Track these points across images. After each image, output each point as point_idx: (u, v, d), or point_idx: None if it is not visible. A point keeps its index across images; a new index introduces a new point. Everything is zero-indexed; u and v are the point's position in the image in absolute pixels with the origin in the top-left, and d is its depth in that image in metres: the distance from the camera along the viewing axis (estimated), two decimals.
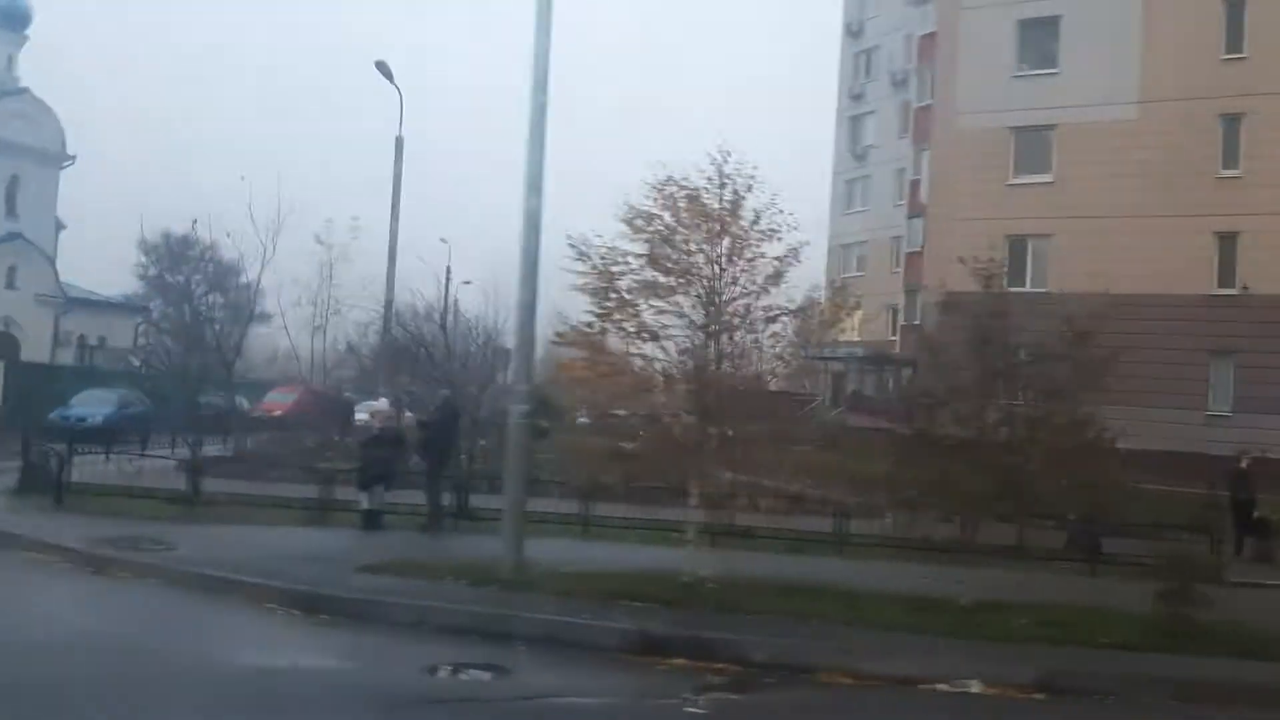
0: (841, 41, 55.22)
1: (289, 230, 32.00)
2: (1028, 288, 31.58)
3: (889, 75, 50.63)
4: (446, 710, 7.17)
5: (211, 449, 23.01)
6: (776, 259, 10.46)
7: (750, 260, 10.55)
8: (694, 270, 10.34)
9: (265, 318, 63.67)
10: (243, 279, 74.70)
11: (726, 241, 10.63)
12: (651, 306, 10.25)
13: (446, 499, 15.57)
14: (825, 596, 11.05)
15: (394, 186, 21.28)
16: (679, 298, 9.97)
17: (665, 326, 10.43)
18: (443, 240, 40.01)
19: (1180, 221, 29.06)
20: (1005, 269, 31.82)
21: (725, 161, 10.81)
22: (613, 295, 10.22)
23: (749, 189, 10.84)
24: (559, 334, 10.43)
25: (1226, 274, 29.04)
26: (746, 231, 10.68)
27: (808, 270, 12.76)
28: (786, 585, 11.29)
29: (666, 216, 10.39)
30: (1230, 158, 29.19)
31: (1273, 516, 18.73)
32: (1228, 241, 29.07)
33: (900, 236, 45.34)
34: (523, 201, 10.64)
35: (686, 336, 10.25)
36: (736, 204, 10.79)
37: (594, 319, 10.22)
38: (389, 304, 23.89)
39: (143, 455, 21.25)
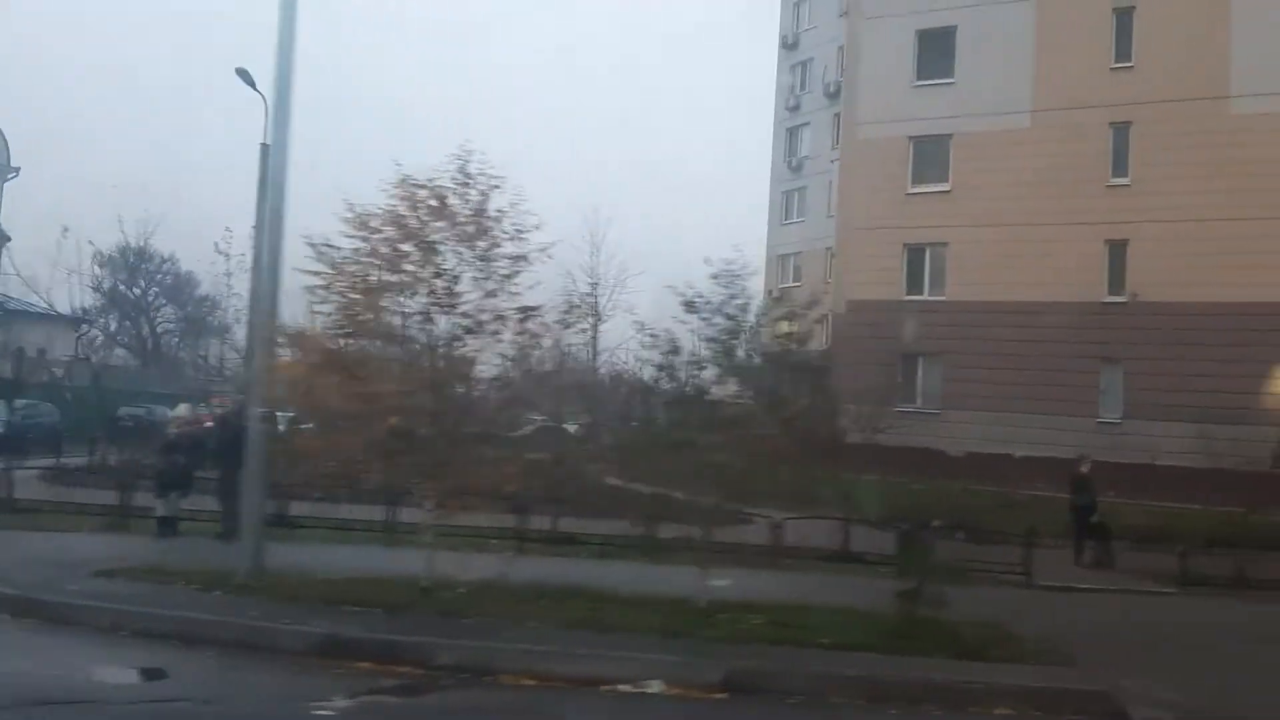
0: (778, 54, 55.44)
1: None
2: (925, 295, 31.84)
3: (823, 87, 50.82)
4: (50, 712, 7.03)
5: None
6: (512, 259, 10.38)
7: (486, 260, 10.46)
8: (424, 273, 10.26)
9: (223, 330, 63.49)
10: (199, 291, 74.23)
11: (462, 241, 10.55)
12: (383, 308, 10.16)
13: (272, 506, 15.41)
14: (572, 599, 11.00)
15: (259, 194, 21.05)
16: (405, 298, 9.89)
17: (400, 327, 10.34)
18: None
19: (1072, 229, 29.23)
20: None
21: (469, 162, 10.75)
22: (345, 295, 10.14)
23: (493, 188, 10.78)
24: (282, 335, 10.36)
25: (1116, 281, 29.20)
26: (485, 231, 10.61)
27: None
28: (539, 589, 11.22)
29: (406, 214, 10.32)
30: (1120, 166, 29.38)
31: (1109, 521, 18.79)
32: (1117, 249, 29.24)
33: (831, 247, 45.41)
34: (258, 201, 10.55)
35: (415, 338, 10.17)
36: (481, 204, 10.72)
37: (324, 318, 10.13)
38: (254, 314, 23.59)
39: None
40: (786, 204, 54.54)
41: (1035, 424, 28.79)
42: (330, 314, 10.16)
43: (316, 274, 10.21)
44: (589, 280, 41.10)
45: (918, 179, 31.93)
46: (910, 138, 31.99)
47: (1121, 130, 29.38)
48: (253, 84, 22.30)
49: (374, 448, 9.62)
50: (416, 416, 9.84)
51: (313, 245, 10.27)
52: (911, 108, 31.86)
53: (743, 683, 8.75)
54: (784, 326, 11.09)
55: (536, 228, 10.91)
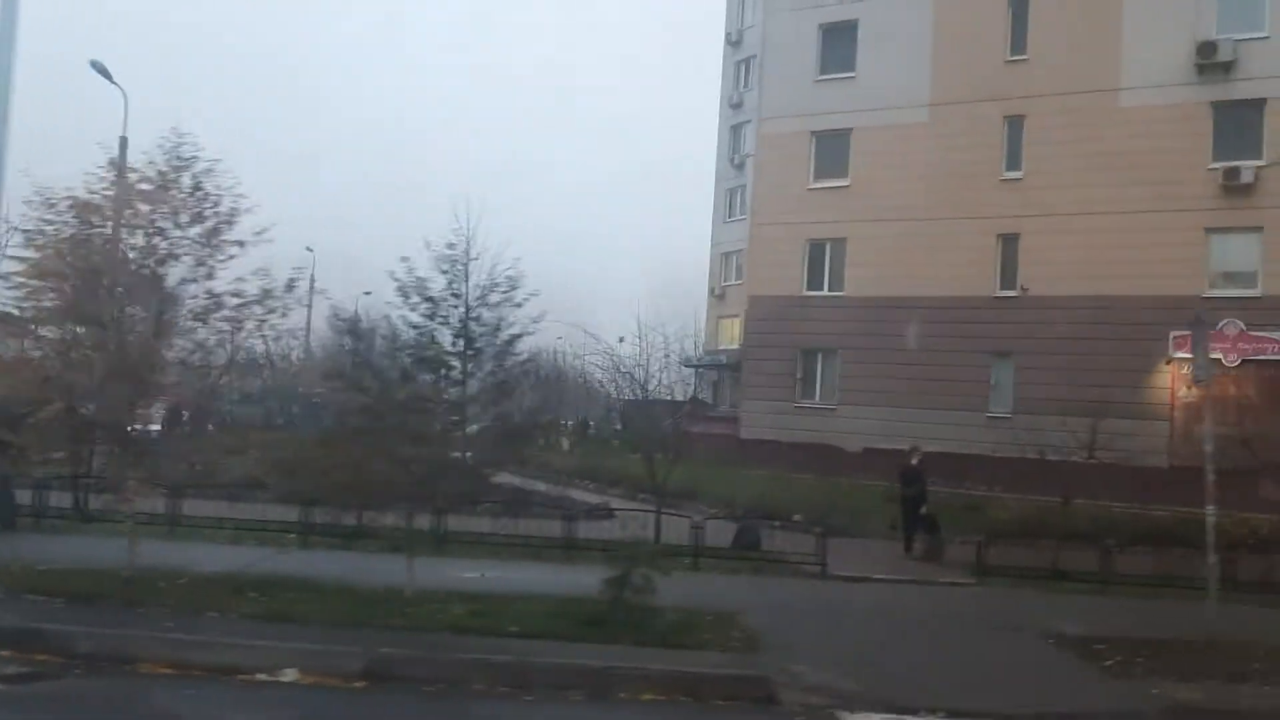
0: (723, 50, 55.35)
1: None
2: (825, 290, 31.78)
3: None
4: None
5: None
6: (209, 237, 10.34)
7: (205, 244, 10.44)
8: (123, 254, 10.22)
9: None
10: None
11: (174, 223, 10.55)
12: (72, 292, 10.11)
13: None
14: (286, 591, 10.98)
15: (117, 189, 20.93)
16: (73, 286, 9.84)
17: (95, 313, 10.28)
18: None
19: (966, 224, 29.20)
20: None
21: (179, 145, 10.75)
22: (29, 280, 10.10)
23: (206, 172, 10.77)
24: None
25: (1009, 276, 29.14)
26: (199, 215, 10.59)
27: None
28: (267, 580, 11.23)
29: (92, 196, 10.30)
30: (1013, 160, 29.32)
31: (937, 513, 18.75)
32: (1010, 243, 29.19)
33: None
34: None
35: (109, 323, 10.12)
36: (195, 186, 10.71)
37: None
38: None
39: None
40: (730, 201, 54.46)
41: (929, 419, 28.67)
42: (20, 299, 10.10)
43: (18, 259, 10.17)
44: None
45: (819, 174, 31.87)
46: (812, 133, 31.94)
47: (1015, 124, 29.33)
48: (109, 77, 22.18)
49: (53, 434, 9.55)
50: (104, 403, 9.77)
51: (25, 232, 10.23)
52: (814, 102, 31.82)
53: (383, 671, 8.75)
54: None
55: (248, 210, 10.90)
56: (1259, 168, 26.24)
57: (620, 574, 10.47)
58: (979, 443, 28.49)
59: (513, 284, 10.43)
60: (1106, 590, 15.34)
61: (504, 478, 16.53)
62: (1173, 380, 27.07)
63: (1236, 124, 26.75)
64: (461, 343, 10.53)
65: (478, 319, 10.36)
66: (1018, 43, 29.56)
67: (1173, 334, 26.95)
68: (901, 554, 18.21)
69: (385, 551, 14.47)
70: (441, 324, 10.56)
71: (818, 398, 31.70)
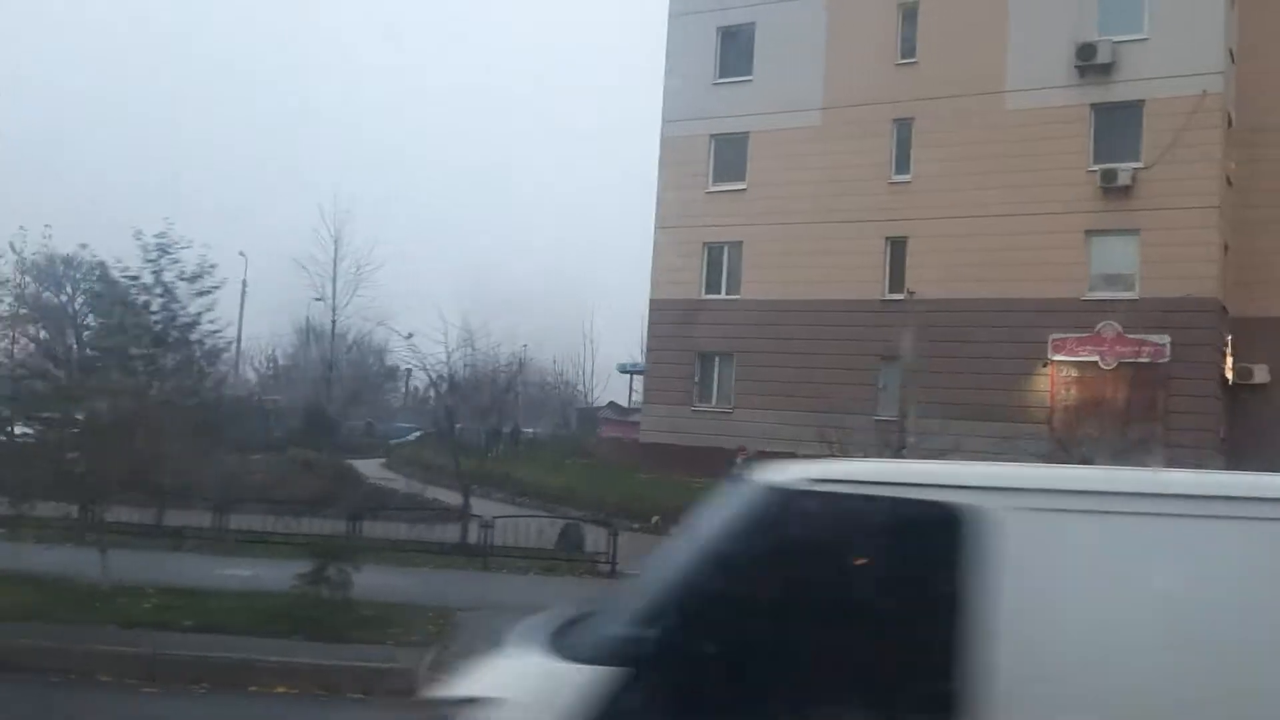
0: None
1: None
2: (723, 294, 31.78)
3: None
4: None
5: None
6: None
7: None
8: None
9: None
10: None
11: None
12: None
13: None
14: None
15: None
16: None
17: None
18: None
19: (856, 227, 29.21)
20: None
21: None
22: None
23: None
24: None
25: (897, 279, 29.13)
26: None
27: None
28: None
29: None
30: (902, 163, 29.37)
31: None
32: (898, 246, 29.20)
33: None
34: None
35: None
36: None
37: None
38: None
39: None
40: None
41: (819, 422, 28.46)
42: None
43: None
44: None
45: (718, 178, 31.90)
46: (711, 136, 31.99)
47: (905, 127, 29.38)
48: None
49: None
50: None
51: None
52: (713, 106, 31.85)
53: (9, 661, 8.63)
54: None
55: None
56: (1136, 170, 26.29)
57: (314, 569, 10.41)
58: (869, 446, 28.46)
59: (201, 271, 10.40)
60: None
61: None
62: (1052, 383, 27.04)
63: (1116, 126, 26.81)
64: (148, 333, 10.48)
65: (167, 308, 10.35)
66: (908, 46, 29.64)
67: (1052, 337, 27.04)
68: None
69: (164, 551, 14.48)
70: (133, 312, 10.51)
71: (714, 401, 31.68)
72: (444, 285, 64.94)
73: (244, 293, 52.51)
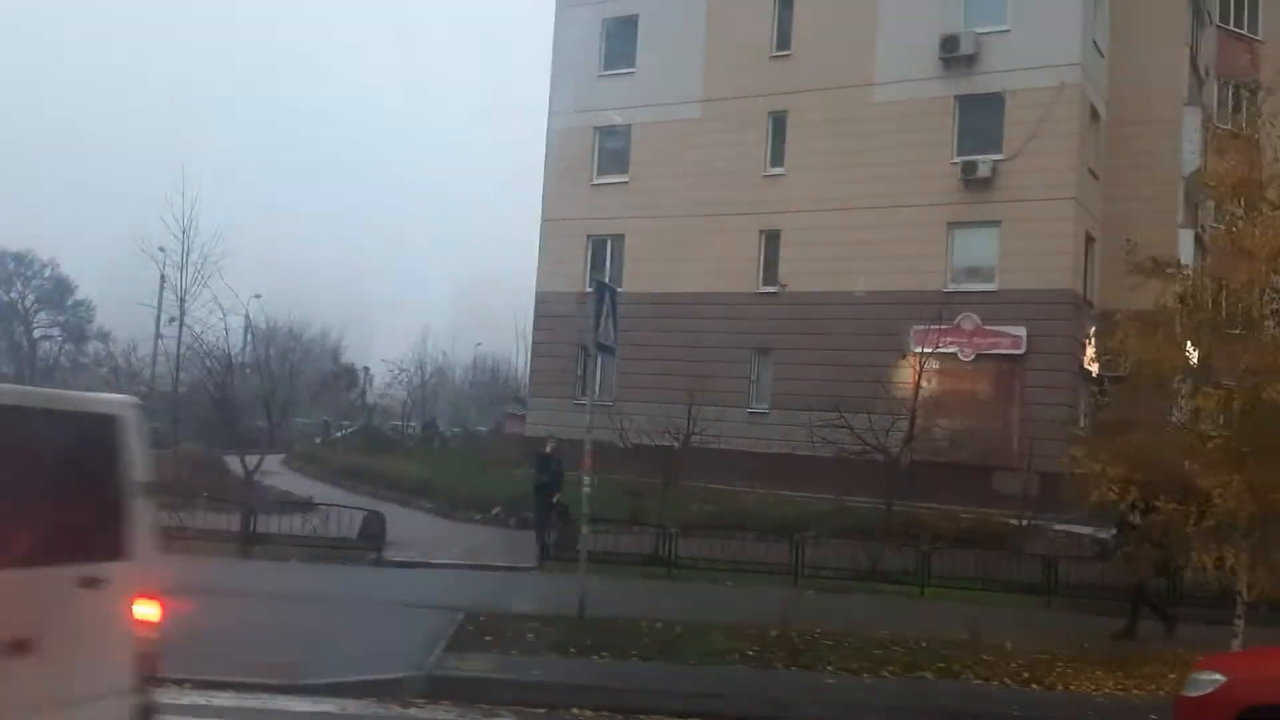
0: None
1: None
2: None
3: None
4: None
5: None
6: None
7: None
8: None
9: (103, 335, 63.40)
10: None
11: None
12: None
13: None
14: None
15: None
16: None
17: None
18: None
19: (733, 220, 29.44)
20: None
21: None
22: None
23: None
24: None
25: (771, 272, 29.34)
26: None
27: None
28: None
29: None
30: (777, 156, 29.59)
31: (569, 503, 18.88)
32: (772, 239, 29.42)
33: None
34: None
35: None
36: None
37: None
38: None
39: None
40: None
41: (699, 415, 28.82)
42: None
43: None
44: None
45: (602, 170, 32.08)
46: (596, 128, 32.15)
47: (779, 120, 29.58)
48: None
49: None
50: None
51: None
52: (598, 98, 32.00)
53: None
54: None
55: None
56: (997, 162, 26.51)
57: None
58: (743, 438, 28.77)
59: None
60: (673, 575, 15.55)
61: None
62: (915, 375, 27.23)
63: (979, 118, 27.04)
64: None
65: None
66: (783, 39, 29.86)
67: (914, 329, 27.23)
68: (537, 543, 18.35)
69: None
70: None
71: (598, 394, 31.75)
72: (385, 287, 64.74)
73: (162, 285, 52.69)
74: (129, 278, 43.96)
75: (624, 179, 31.70)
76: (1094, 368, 27.68)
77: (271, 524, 17.30)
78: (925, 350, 27.45)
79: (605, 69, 32.42)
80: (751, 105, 29.76)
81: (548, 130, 33.17)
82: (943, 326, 26.92)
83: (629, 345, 31.38)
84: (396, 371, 60.43)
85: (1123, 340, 11.75)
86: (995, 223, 26.62)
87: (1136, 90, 28.05)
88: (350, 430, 50.64)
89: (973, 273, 27.15)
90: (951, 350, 26.71)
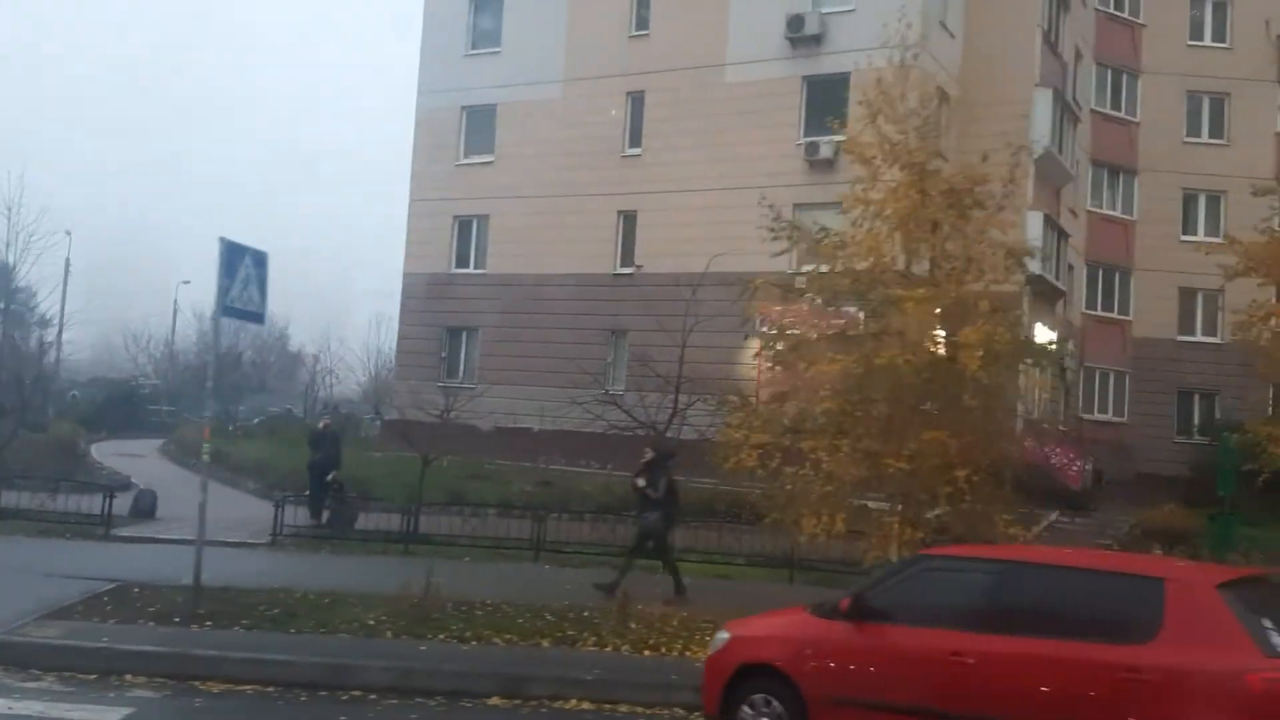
0: None
1: None
2: (471, 268, 32.06)
3: None
4: None
5: None
6: None
7: None
8: None
9: (44, 323, 63.00)
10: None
11: None
12: None
13: None
14: None
15: None
16: None
17: None
18: None
19: (592, 201, 29.56)
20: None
21: None
22: None
23: None
24: None
25: (628, 253, 29.50)
26: None
27: None
28: None
29: None
30: (635, 137, 29.72)
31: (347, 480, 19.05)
32: (629, 221, 29.55)
33: None
34: None
35: None
36: None
37: None
38: None
39: None
40: None
41: (554, 397, 28.97)
42: None
43: None
44: None
45: (469, 150, 32.14)
46: (463, 108, 32.21)
47: (637, 100, 29.69)
48: None
49: None
50: None
51: None
52: (465, 78, 32.06)
53: None
54: None
55: None
56: (839, 143, 26.62)
57: None
58: (599, 420, 28.87)
59: None
60: (410, 551, 15.77)
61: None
62: (760, 356, 27.41)
63: (824, 99, 27.15)
64: None
65: None
66: (641, 19, 29.97)
67: (759, 310, 27.39)
68: (312, 519, 18.48)
69: None
70: None
71: (460, 377, 31.95)
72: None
73: (67, 271, 52.61)
74: None
75: (489, 159, 31.78)
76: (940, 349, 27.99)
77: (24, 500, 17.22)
78: (770, 331, 27.74)
79: (472, 48, 32.47)
80: (611, 85, 29.84)
81: (416, 109, 33.19)
82: (786, 308, 27.17)
83: (491, 327, 31.75)
84: (338, 359, 60.88)
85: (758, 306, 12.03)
86: (838, 204, 26.71)
87: (989, 72, 28.28)
88: (260, 420, 50.74)
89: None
90: (794, 331, 26.83)
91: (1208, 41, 35.09)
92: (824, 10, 27.13)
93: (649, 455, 14.38)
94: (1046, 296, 29.83)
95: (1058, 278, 29.64)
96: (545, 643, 10.26)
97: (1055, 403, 31.67)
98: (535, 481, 25.78)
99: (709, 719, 7.93)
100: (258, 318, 11.24)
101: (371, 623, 10.38)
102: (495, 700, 8.91)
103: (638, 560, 13.63)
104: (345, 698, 8.79)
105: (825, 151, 26.62)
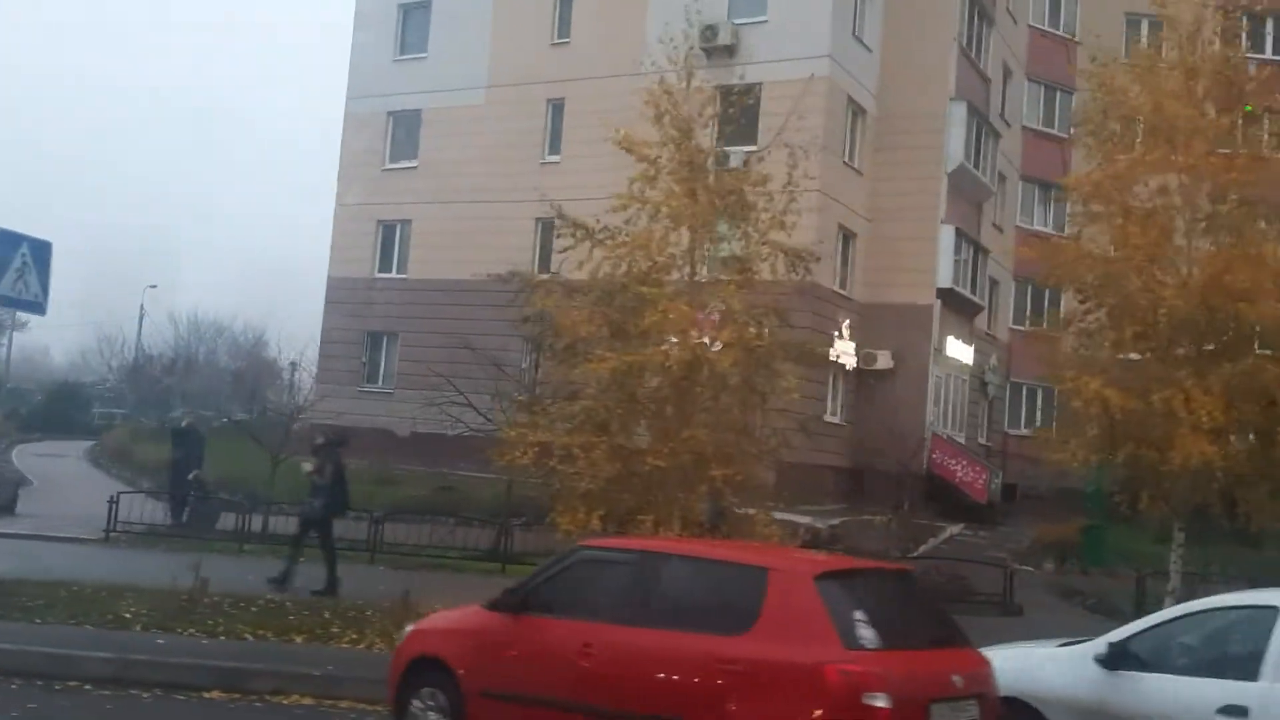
0: None
1: None
2: (394, 273, 32.13)
3: None
4: None
5: None
6: None
7: None
8: None
9: None
10: None
11: None
12: None
13: None
14: None
15: None
16: None
17: None
18: None
19: (512, 207, 29.52)
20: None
21: None
22: None
23: None
24: None
25: (546, 259, 29.43)
26: None
27: None
28: None
29: None
30: (555, 144, 29.80)
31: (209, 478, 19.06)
32: (548, 227, 29.43)
33: None
34: None
35: None
36: None
37: None
38: None
39: None
40: None
41: (466, 402, 28.96)
42: None
43: None
44: None
45: (395, 155, 32.23)
46: (389, 113, 32.33)
47: (558, 108, 29.76)
48: None
49: None
50: None
51: None
52: (392, 83, 32.17)
53: None
54: None
55: None
56: (748, 154, 26.68)
57: None
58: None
59: None
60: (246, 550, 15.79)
61: None
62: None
63: (738, 109, 27.16)
64: None
65: None
66: (563, 26, 30.10)
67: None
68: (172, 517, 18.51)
69: None
70: None
71: (380, 382, 32.02)
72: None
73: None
74: None
75: (414, 164, 31.86)
76: (850, 361, 28.04)
77: None
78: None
79: (400, 53, 32.61)
80: (532, 92, 29.94)
81: (344, 114, 33.30)
82: (699, 314, 27.20)
83: (409, 332, 31.78)
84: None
85: (540, 305, 12.11)
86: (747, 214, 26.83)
87: (906, 86, 28.40)
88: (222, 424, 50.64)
89: (726, 263, 27.31)
90: (702, 340, 26.88)
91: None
92: (737, 21, 27.24)
93: (319, 441, 14.66)
94: (964, 310, 29.90)
95: (974, 292, 29.69)
96: (300, 639, 10.26)
97: (975, 417, 31.76)
98: (436, 487, 25.86)
99: (391, 713, 7.92)
100: (36, 308, 11.22)
101: (127, 615, 10.39)
102: (214, 694, 8.91)
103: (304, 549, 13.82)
104: (59, 687, 8.79)
105: (734, 162, 26.46)
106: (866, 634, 5.99)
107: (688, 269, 12.51)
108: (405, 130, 32.22)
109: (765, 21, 27.09)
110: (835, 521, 23.98)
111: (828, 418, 26.90)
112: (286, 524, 16.82)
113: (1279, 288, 11.47)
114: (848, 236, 28.01)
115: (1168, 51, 13.73)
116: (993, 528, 26.44)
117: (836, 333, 27.13)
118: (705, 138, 13.05)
